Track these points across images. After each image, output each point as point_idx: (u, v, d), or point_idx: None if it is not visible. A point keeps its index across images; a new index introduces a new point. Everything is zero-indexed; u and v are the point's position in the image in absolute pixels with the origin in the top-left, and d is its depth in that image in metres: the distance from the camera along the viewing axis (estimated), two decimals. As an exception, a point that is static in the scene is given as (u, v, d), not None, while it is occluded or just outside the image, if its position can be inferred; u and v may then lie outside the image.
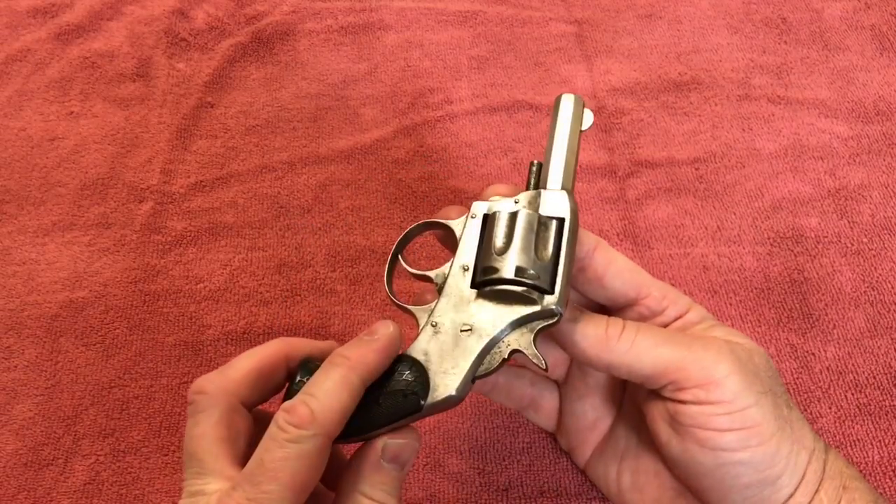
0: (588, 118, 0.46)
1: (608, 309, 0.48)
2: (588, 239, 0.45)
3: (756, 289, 0.63)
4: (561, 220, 0.42)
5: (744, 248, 0.66)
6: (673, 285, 0.63)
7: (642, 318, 0.46)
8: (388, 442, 0.40)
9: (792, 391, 0.58)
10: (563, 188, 0.43)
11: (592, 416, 0.51)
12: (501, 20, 0.85)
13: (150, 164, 0.74)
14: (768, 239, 0.66)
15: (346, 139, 0.76)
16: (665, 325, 0.46)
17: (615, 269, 0.45)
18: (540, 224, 0.42)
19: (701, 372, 0.41)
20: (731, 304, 0.63)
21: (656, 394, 0.44)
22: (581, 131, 0.45)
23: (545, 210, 0.43)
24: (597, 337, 0.43)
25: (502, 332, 0.40)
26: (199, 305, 0.65)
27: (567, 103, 0.45)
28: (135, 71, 0.82)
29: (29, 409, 0.59)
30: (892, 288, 0.62)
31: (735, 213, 0.68)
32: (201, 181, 0.73)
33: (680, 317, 0.46)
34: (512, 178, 0.72)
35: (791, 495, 0.42)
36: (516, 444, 0.56)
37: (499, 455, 0.56)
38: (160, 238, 0.69)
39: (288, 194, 0.72)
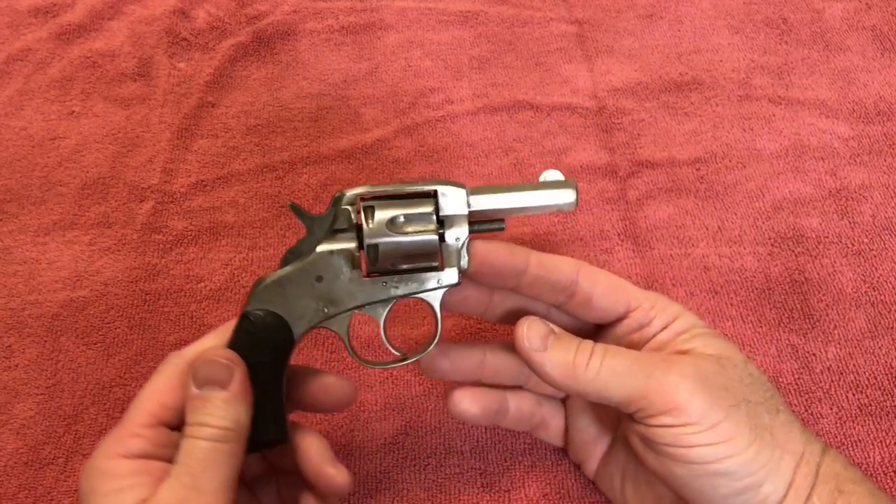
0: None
1: (600, 326, 0.49)
2: (568, 267, 0.46)
3: (757, 289, 0.63)
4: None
5: (745, 248, 0.66)
6: (673, 286, 0.64)
7: (631, 331, 0.47)
8: (193, 372, 0.41)
9: (793, 392, 0.58)
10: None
11: (595, 430, 0.52)
12: (502, 20, 0.85)
13: (150, 163, 0.74)
14: (769, 239, 0.66)
15: (347, 139, 0.76)
16: (652, 336, 0.46)
17: (601, 290, 0.46)
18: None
19: (663, 398, 0.42)
20: (731, 305, 0.63)
21: (629, 416, 0.44)
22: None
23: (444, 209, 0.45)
24: (564, 366, 0.44)
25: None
26: (200, 305, 0.65)
27: (565, 193, 0.46)
28: (136, 70, 0.82)
29: (30, 409, 0.59)
30: (893, 288, 0.62)
31: (736, 214, 0.68)
32: (202, 181, 0.73)
33: (667, 326, 0.46)
34: (512, 178, 0.72)
35: (780, 502, 0.42)
36: (518, 445, 0.56)
37: (500, 456, 0.56)
38: (161, 237, 0.69)
39: (289, 194, 0.72)
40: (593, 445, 0.52)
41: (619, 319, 0.47)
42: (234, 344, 0.44)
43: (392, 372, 0.60)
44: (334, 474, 0.44)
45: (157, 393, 0.43)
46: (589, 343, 0.44)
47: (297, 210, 0.45)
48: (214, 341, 0.44)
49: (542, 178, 0.46)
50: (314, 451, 0.45)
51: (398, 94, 0.79)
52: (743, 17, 0.83)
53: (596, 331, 0.50)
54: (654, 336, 0.46)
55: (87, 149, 0.76)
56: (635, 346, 0.47)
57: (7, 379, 0.61)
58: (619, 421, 0.51)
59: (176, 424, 0.42)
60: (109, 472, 0.40)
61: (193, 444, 0.40)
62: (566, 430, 0.53)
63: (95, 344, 0.63)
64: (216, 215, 0.70)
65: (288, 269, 0.45)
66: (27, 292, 0.66)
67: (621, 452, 0.50)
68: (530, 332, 0.44)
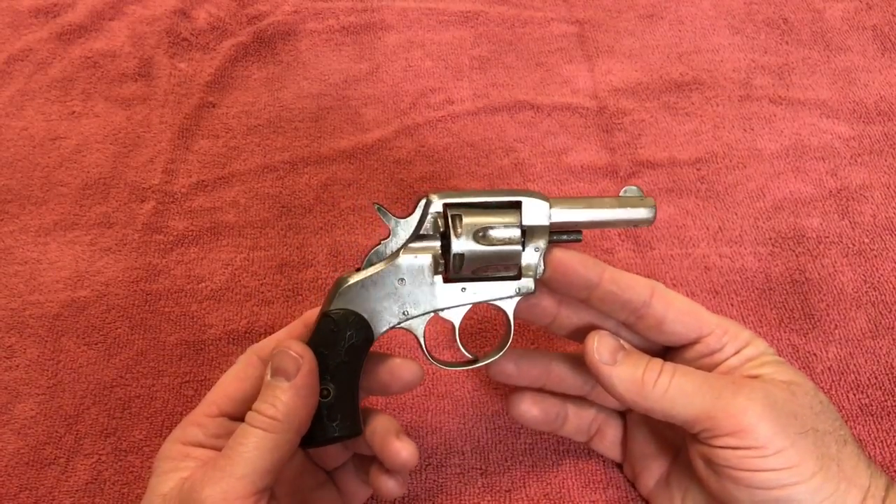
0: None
1: (669, 348, 0.48)
2: (642, 287, 0.45)
3: (757, 289, 0.63)
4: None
5: (745, 248, 0.66)
6: (674, 286, 0.64)
7: (701, 356, 0.46)
8: (271, 359, 0.43)
9: (793, 391, 0.58)
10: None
11: (655, 445, 0.51)
12: (503, 20, 0.85)
13: (151, 163, 0.74)
14: (770, 239, 0.66)
15: (348, 139, 0.76)
16: (722, 362, 0.46)
17: (674, 314, 0.46)
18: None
19: (730, 420, 0.41)
20: (732, 305, 0.63)
21: (694, 435, 0.44)
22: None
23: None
24: (632, 381, 0.44)
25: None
26: (201, 305, 0.65)
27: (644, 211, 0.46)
28: (136, 71, 0.82)
29: (31, 409, 0.59)
30: (894, 288, 0.62)
31: (736, 214, 0.68)
32: (203, 181, 0.73)
33: (737, 352, 0.46)
34: (513, 178, 0.72)
35: None
36: (518, 445, 0.56)
37: (501, 456, 0.56)
38: (162, 238, 0.69)
39: (290, 194, 0.72)
40: (651, 460, 0.51)
41: (690, 344, 0.47)
42: (315, 342, 0.44)
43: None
44: (400, 448, 0.45)
45: (224, 384, 0.46)
46: (658, 361, 0.44)
47: (382, 211, 0.46)
48: (285, 335, 0.46)
49: (621, 193, 0.47)
50: (382, 429, 0.46)
51: (399, 94, 0.79)
52: (743, 18, 0.83)
53: (664, 353, 0.49)
54: (723, 361, 0.46)
55: (87, 149, 0.76)
56: (704, 370, 0.46)
57: (8, 379, 0.61)
58: (682, 441, 0.50)
59: (239, 415, 0.43)
60: (166, 454, 0.44)
61: (240, 428, 0.41)
62: (624, 441, 0.53)
63: (96, 344, 0.63)
64: (217, 215, 0.71)
65: (371, 270, 0.45)
66: (28, 292, 0.66)
67: (684, 475, 0.49)
68: (600, 346, 0.45)
